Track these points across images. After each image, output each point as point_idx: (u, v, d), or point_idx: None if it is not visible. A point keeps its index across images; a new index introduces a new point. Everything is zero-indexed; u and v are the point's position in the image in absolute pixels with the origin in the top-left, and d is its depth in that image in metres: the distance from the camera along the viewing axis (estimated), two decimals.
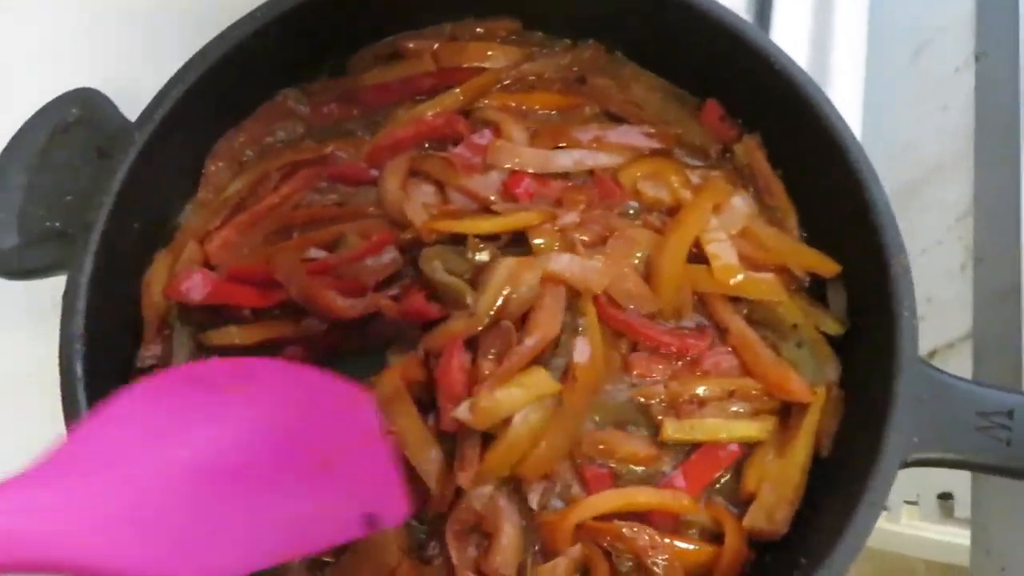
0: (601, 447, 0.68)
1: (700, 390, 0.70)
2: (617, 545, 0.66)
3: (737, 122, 0.77)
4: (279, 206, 0.73)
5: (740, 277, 0.71)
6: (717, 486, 0.70)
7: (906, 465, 0.63)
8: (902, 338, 0.64)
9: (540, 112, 0.78)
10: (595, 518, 0.66)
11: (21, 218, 0.67)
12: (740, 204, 0.74)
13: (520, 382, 0.65)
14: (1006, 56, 0.95)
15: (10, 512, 0.40)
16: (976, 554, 0.82)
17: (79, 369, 0.63)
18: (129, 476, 0.45)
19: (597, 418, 0.69)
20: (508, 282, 0.68)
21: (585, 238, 0.72)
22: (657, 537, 0.66)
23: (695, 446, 0.70)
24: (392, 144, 0.74)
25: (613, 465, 0.69)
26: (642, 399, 0.70)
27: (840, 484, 0.65)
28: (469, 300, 0.68)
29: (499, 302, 0.68)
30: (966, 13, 1.04)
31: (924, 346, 0.98)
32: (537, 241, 0.71)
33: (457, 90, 0.76)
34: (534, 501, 0.66)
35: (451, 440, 0.66)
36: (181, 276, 0.69)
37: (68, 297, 0.63)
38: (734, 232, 0.73)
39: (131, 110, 0.69)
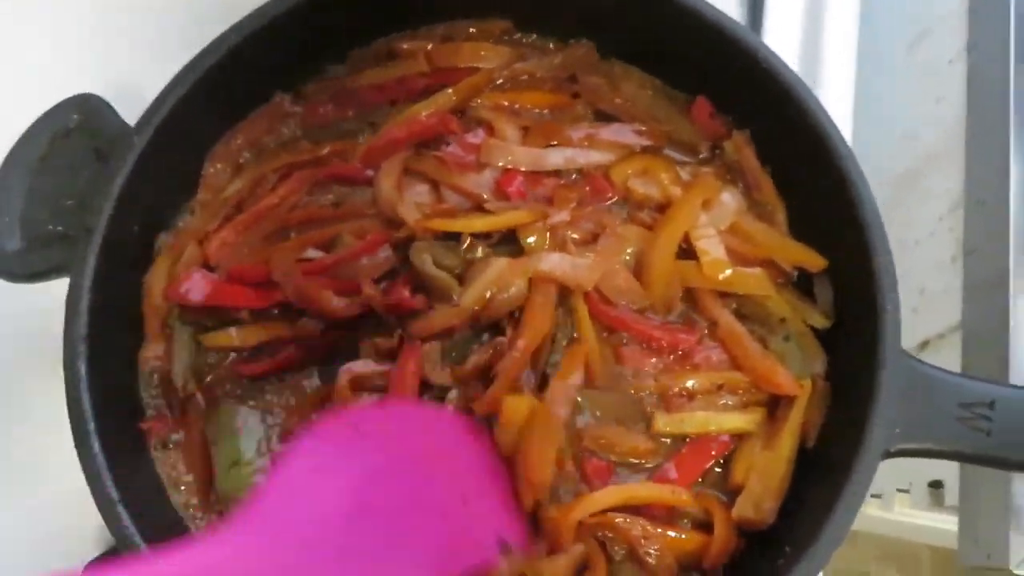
0: (602, 441, 0.70)
1: (690, 383, 0.72)
2: (610, 535, 0.68)
3: (726, 119, 0.79)
4: (277, 207, 0.74)
5: (729, 272, 0.73)
6: (707, 477, 0.71)
7: (889, 455, 0.65)
8: (886, 332, 0.66)
9: (532, 111, 0.79)
10: (594, 513, 0.67)
11: (24, 222, 0.68)
12: (729, 200, 0.76)
13: None
14: (997, 47, 0.96)
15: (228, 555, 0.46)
16: (964, 541, 0.84)
17: (83, 369, 0.65)
18: (315, 515, 0.51)
19: (598, 413, 0.71)
20: (496, 282, 0.69)
21: (576, 236, 0.73)
22: (650, 528, 0.67)
23: (686, 438, 0.71)
24: (387, 144, 0.75)
25: (614, 459, 0.70)
26: (633, 392, 0.71)
27: (824, 474, 0.66)
28: (455, 294, 0.69)
29: (485, 297, 0.69)
30: (960, 4, 1.04)
31: (916, 336, 0.99)
32: (528, 240, 0.72)
33: (450, 90, 0.77)
34: None
35: None
36: (180, 277, 0.71)
37: (71, 299, 0.65)
38: (723, 228, 0.75)
39: (131, 115, 0.71)
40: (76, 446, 0.63)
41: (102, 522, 0.63)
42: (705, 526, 0.68)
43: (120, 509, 0.63)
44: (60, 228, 0.68)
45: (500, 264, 0.70)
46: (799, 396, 0.70)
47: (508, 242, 0.73)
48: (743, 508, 0.68)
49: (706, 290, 0.74)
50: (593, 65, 0.81)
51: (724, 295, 0.74)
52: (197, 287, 0.70)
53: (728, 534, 0.67)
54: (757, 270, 0.74)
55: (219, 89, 0.72)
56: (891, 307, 0.66)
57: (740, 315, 0.74)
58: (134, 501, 0.63)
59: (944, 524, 1.12)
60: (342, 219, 0.74)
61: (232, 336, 0.71)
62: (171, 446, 0.71)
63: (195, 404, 0.71)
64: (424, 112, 0.76)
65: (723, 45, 0.73)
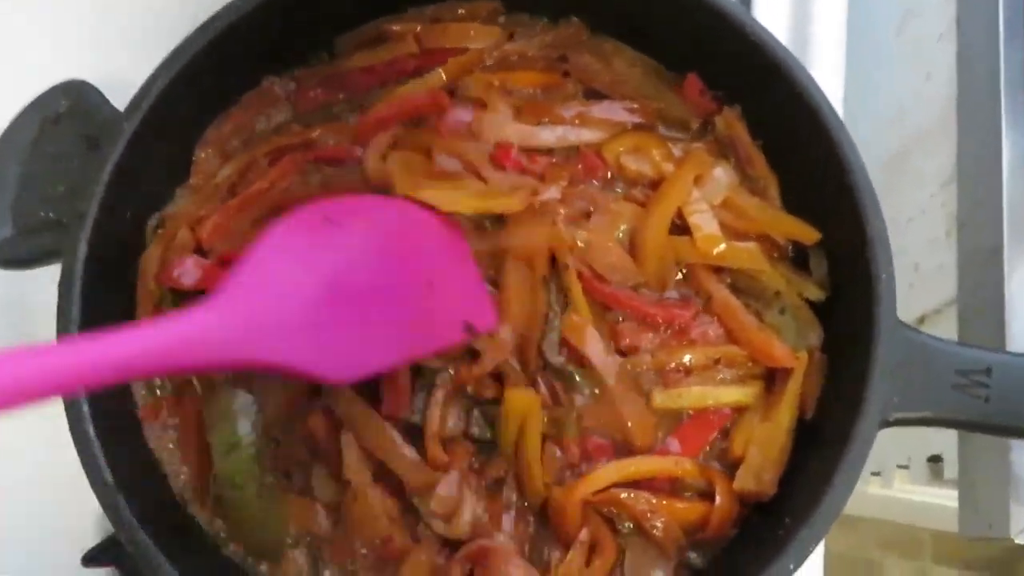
0: (601, 419, 0.70)
1: (686, 359, 0.71)
2: (616, 511, 0.68)
3: (717, 95, 0.78)
4: (268, 191, 0.74)
5: (722, 247, 0.73)
6: (707, 449, 0.71)
7: (887, 424, 0.65)
8: (881, 300, 0.65)
9: (523, 90, 0.79)
10: (596, 491, 0.67)
11: (15, 209, 0.68)
12: (721, 175, 0.75)
13: None
14: (986, 22, 0.96)
15: (208, 325, 0.52)
16: (964, 512, 0.84)
17: None
18: (286, 294, 0.57)
19: (596, 391, 0.71)
20: None
21: (563, 212, 0.72)
22: (654, 500, 0.67)
23: (685, 413, 0.71)
24: (377, 122, 0.74)
25: (616, 436, 0.70)
26: (630, 368, 0.71)
27: (823, 445, 0.66)
28: None
29: None
30: None
31: (912, 312, 0.99)
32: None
33: (440, 70, 0.77)
34: None
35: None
36: (173, 262, 0.71)
37: (64, 284, 0.65)
38: (716, 203, 0.74)
39: (121, 100, 0.70)
40: (71, 431, 0.63)
41: (100, 508, 0.63)
42: (708, 496, 0.68)
43: (117, 495, 0.62)
44: (51, 215, 0.68)
45: None
46: (796, 368, 0.70)
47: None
48: (744, 480, 0.68)
49: (700, 265, 0.73)
50: (583, 44, 0.80)
51: (719, 270, 0.74)
52: (189, 272, 0.70)
53: (730, 504, 0.68)
54: (751, 244, 0.74)
55: (208, 74, 0.72)
56: (885, 275, 0.66)
57: (735, 289, 0.73)
58: (130, 485, 0.63)
59: (944, 500, 1.12)
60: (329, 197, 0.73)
61: None
62: (168, 431, 0.71)
63: (191, 389, 0.71)
64: (415, 90, 0.76)
65: (713, 21, 0.73)
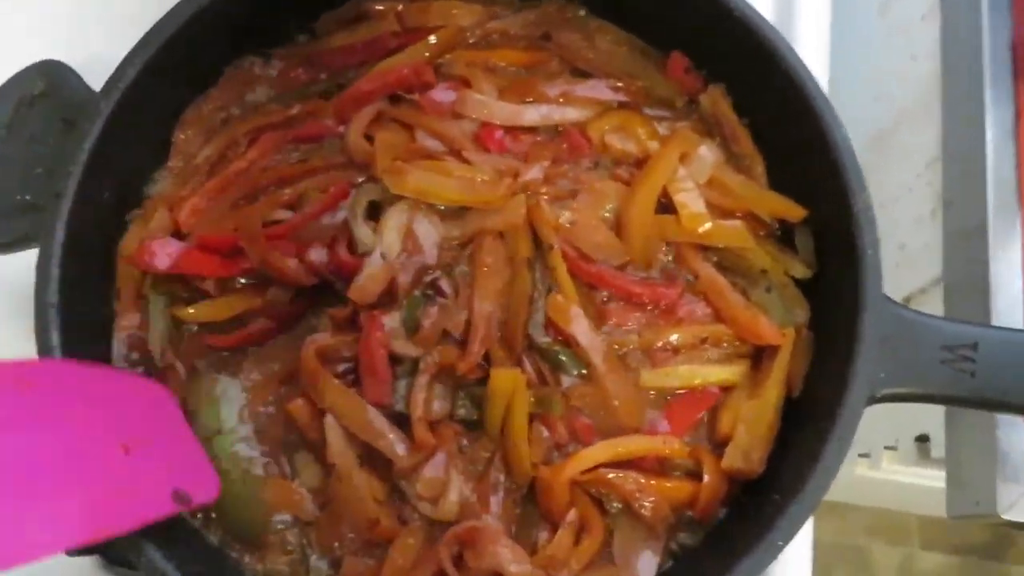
0: (588, 399, 0.69)
1: (673, 338, 0.71)
2: (603, 491, 0.68)
3: (702, 73, 0.78)
4: (247, 170, 0.73)
5: (708, 225, 0.72)
6: (695, 428, 0.71)
7: (874, 401, 0.65)
8: (866, 275, 0.65)
9: (507, 68, 0.78)
10: (585, 471, 0.67)
11: None
12: (707, 153, 0.75)
13: None
14: (966, 1, 0.96)
15: None
16: (952, 489, 0.84)
17: (55, 338, 0.63)
18: None
19: (584, 371, 0.70)
20: (400, 230, 0.69)
21: (546, 191, 0.72)
22: (643, 480, 0.67)
23: (673, 392, 0.71)
24: (361, 95, 0.74)
25: (604, 416, 0.69)
26: (617, 347, 0.71)
27: (811, 422, 0.66)
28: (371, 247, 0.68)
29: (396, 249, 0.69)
30: None
31: (898, 292, 0.99)
32: None
33: (422, 45, 0.76)
34: None
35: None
36: (147, 245, 0.70)
37: (41, 266, 0.64)
38: (702, 181, 0.74)
39: (97, 81, 0.69)
40: None
41: None
42: (696, 475, 0.68)
43: None
44: (28, 197, 0.67)
45: (402, 207, 0.69)
46: (783, 346, 0.69)
47: None
48: (732, 458, 0.67)
49: (687, 244, 0.73)
50: (567, 22, 0.80)
51: (705, 248, 0.73)
52: (163, 254, 0.69)
53: (718, 482, 0.67)
54: (737, 222, 0.73)
55: (186, 54, 0.71)
56: (871, 250, 0.66)
57: (721, 268, 0.73)
58: None
59: (931, 481, 1.13)
60: (309, 175, 0.72)
61: (202, 310, 0.70)
62: None
63: (175, 374, 0.70)
64: (398, 62, 0.75)
65: None
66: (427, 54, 0.76)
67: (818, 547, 0.79)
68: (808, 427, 0.66)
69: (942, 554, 1.84)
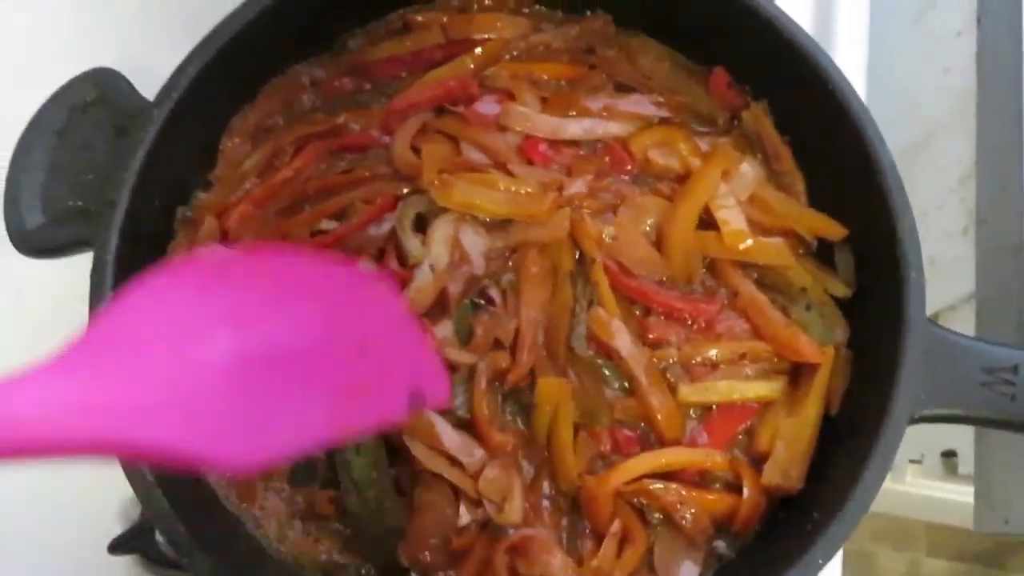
0: (631, 411, 0.70)
1: (712, 353, 0.72)
2: (646, 502, 0.69)
3: (744, 89, 0.78)
4: (293, 179, 0.74)
5: (749, 242, 0.73)
6: (733, 444, 0.71)
7: (914, 421, 0.65)
8: (909, 298, 0.66)
9: (550, 81, 0.79)
10: (628, 481, 0.67)
11: (44, 198, 0.68)
12: (748, 170, 0.75)
13: None
14: (1007, 18, 0.96)
15: (43, 396, 0.38)
16: (979, 508, 0.85)
17: None
18: (157, 360, 0.44)
19: (626, 384, 0.71)
20: (448, 242, 0.70)
21: (587, 209, 0.73)
22: (684, 492, 0.68)
23: (711, 407, 0.71)
24: (405, 108, 0.74)
25: (643, 426, 0.70)
26: (656, 361, 0.71)
27: (850, 441, 0.67)
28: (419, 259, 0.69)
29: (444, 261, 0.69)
30: None
31: (928, 308, 0.99)
32: None
33: (467, 57, 0.76)
34: None
35: None
36: (196, 251, 0.71)
37: (96, 274, 0.64)
38: (743, 198, 0.75)
39: (147, 89, 0.70)
40: None
41: (125, 498, 0.63)
42: (735, 489, 0.69)
43: (155, 487, 0.62)
44: (80, 203, 0.68)
45: (448, 219, 0.70)
46: (822, 364, 0.70)
47: None
48: (771, 474, 0.68)
49: (727, 260, 0.74)
50: (610, 38, 0.80)
51: (745, 265, 0.74)
52: None
53: (758, 497, 0.68)
54: (777, 240, 0.74)
55: (236, 63, 0.71)
56: (915, 272, 0.66)
57: (761, 285, 0.74)
58: (166, 479, 0.63)
59: (952, 495, 1.13)
60: (355, 185, 0.73)
61: None
62: None
63: None
64: (444, 75, 0.75)
65: (739, 15, 0.73)
66: (472, 66, 0.77)
67: None
68: (847, 445, 0.67)
69: (948, 560, 1.84)
